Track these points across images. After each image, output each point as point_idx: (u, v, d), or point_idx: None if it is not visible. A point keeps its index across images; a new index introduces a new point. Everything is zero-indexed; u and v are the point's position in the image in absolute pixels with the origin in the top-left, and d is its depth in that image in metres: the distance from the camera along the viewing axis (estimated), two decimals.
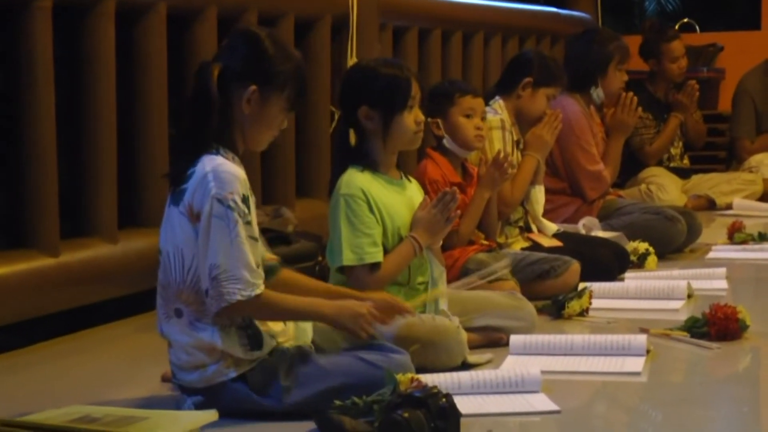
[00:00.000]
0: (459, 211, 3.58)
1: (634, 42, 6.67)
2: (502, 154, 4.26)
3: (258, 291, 2.84)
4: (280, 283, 3.04)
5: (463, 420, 2.71)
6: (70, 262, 4.01)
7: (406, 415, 2.62)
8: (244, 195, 2.86)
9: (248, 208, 2.87)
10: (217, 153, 2.89)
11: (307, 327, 3.09)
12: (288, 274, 3.14)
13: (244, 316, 2.88)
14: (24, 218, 3.94)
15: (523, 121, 4.81)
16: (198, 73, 2.93)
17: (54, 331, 4.04)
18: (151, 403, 3.04)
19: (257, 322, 2.93)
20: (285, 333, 3.01)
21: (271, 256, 3.11)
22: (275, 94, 2.94)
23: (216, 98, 2.89)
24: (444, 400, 2.67)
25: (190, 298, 2.88)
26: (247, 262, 2.82)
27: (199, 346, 2.88)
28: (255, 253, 2.86)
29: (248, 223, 2.85)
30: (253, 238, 2.87)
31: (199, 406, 2.87)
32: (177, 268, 2.89)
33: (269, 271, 3.03)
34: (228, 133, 2.93)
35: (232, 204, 2.82)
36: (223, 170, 2.85)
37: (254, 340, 2.91)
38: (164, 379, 3.25)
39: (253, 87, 2.92)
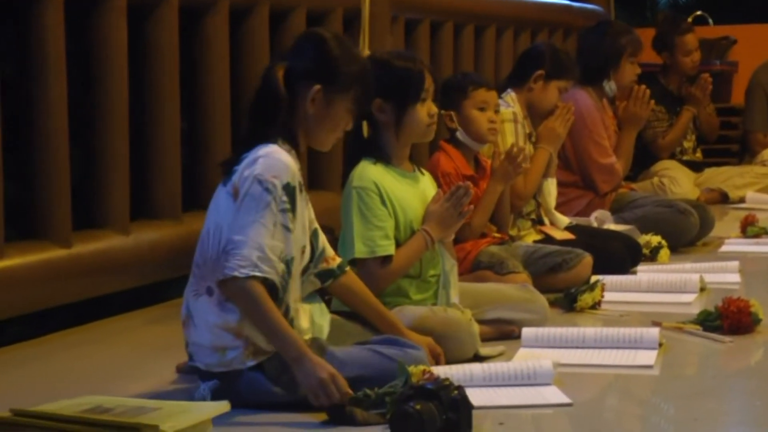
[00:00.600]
0: (472, 206, 3.57)
1: (646, 35, 6.66)
2: (515, 148, 4.25)
3: (257, 273, 2.82)
4: (340, 287, 3.14)
5: (475, 412, 2.71)
6: (82, 253, 4.02)
7: (418, 407, 2.62)
8: (288, 183, 2.88)
9: (291, 197, 2.89)
10: (274, 143, 2.93)
11: (324, 325, 3.09)
12: (352, 278, 3.19)
13: (231, 295, 2.85)
14: (36, 209, 3.95)
15: (535, 114, 4.81)
16: (265, 72, 2.99)
17: (66, 322, 4.05)
18: (162, 394, 3.04)
19: (294, 317, 2.94)
20: (302, 326, 3.01)
21: (334, 257, 3.14)
22: (340, 94, 3.00)
23: (284, 96, 2.95)
24: (456, 392, 2.67)
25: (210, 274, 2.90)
26: (260, 244, 2.83)
27: (226, 327, 2.88)
28: (283, 241, 2.87)
29: (283, 210, 2.87)
30: (286, 227, 2.88)
31: (214, 391, 2.88)
32: (214, 245, 2.91)
33: (326, 275, 3.09)
34: (291, 130, 2.98)
35: (270, 186, 2.85)
36: (273, 156, 2.89)
37: None
38: (178, 369, 3.25)
39: (318, 87, 2.97)
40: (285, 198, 2.87)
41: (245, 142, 2.97)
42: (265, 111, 2.96)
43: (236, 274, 2.82)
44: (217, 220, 2.92)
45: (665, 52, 7.03)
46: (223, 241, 2.88)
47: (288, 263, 2.91)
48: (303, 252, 3.01)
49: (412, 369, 2.85)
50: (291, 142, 2.97)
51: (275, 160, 2.88)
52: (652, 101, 5.68)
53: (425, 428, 2.60)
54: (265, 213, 2.84)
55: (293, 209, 2.90)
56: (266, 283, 2.85)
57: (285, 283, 2.91)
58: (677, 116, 6.89)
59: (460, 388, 2.69)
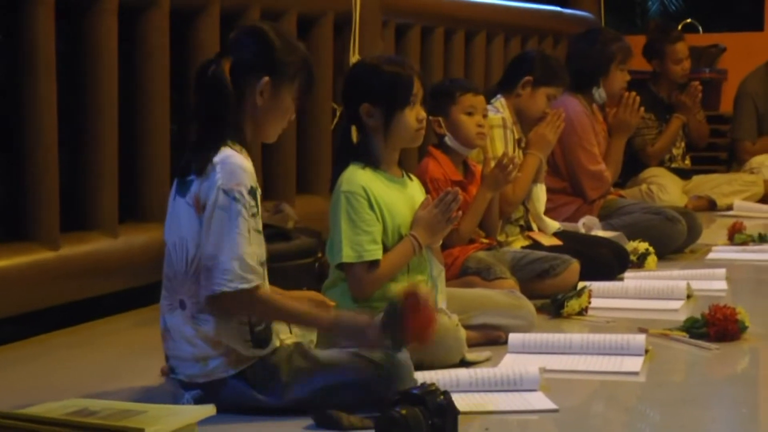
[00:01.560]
0: (460, 212, 3.58)
1: (636, 42, 6.68)
2: (506, 158, 4.26)
3: (246, 285, 2.82)
4: None
5: (461, 417, 2.71)
6: (70, 255, 4.02)
7: (403, 412, 2.62)
8: (251, 187, 2.86)
9: (255, 200, 2.87)
10: (225, 145, 2.90)
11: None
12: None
13: (233, 311, 2.86)
14: (25, 211, 3.94)
15: (523, 121, 4.81)
16: (205, 67, 2.94)
17: (53, 324, 4.04)
18: (149, 397, 3.04)
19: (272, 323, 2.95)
20: (286, 330, 3.01)
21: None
22: (286, 84, 2.97)
23: (232, 92, 2.91)
24: (442, 397, 2.67)
25: (192, 290, 2.88)
26: (240, 255, 2.81)
27: (204, 337, 2.88)
28: (258, 245, 2.87)
29: (254, 215, 2.86)
30: (258, 231, 2.87)
31: (197, 401, 2.87)
32: (181, 259, 2.90)
33: None
34: (239, 126, 2.95)
35: (237, 195, 2.83)
36: (230, 162, 2.85)
37: (259, 338, 2.91)
38: (164, 372, 3.25)
39: (266, 79, 2.94)
40: (252, 202, 2.86)
41: (197, 145, 2.92)
42: (214, 110, 2.92)
43: (225, 289, 2.81)
44: (180, 233, 2.90)
45: (655, 59, 7.05)
46: (191, 256, 2.87)
47: (263, 264, 2.90)
48: None
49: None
50: (239, 139, 2.93)
51: (234, 167, 2.85)
52: (642, 108, 5.70)
53: None
54: (238, 222, 2.82)
55: (259, 211, 2.90)
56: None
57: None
58: (667, 124, 6.90)
59: (446, 394, 2.69)
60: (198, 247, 2.86)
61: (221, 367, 2.88)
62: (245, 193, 2.84)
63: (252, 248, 2.84)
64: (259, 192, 2.91)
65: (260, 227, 2.89)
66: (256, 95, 2.94)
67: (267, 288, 2.93)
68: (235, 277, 2.81)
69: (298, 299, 3.06)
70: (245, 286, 2.82)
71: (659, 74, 7.04)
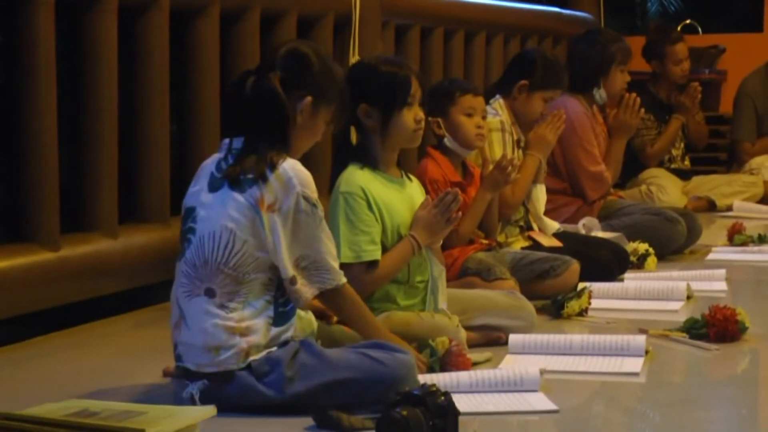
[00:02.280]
0: (460, 212, 3.58)
1: (636, 43, 6.68)
2: (505, 159, 4.26)
3: (345, 280, 3.05)
4: None
5: (461, 418, 2.71)
6: (70, 256, 4.02)
7: (404, 412, 2.62)
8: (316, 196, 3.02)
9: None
10: (276, 155, 3.01)
11: (312, 318, 3.12)
12: None
13: (340, 306, 3.11)
14: (24, 212, 3.94)
15: (520, 123, 4.81)
16: (247, 76, 3.04)
17: (53, 325, 4.04)
18: (149, 398, 3.04)
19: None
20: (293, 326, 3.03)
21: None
22: (324, 107, 3.08)
23: (288, 105, 3.03)
24: (443, 398, 2.67)
25: (226, 281, 2.91)
26: (333, 254, 3.03)
27: (224, 326, 2.90)
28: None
29: (324, 219, 3.02)
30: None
31: (202, 392, 2.89)
32: (218, 249, 2.92)
33: None
34: (286, 139, 3.05)
35: (315, 201, 2.99)
36: (301, 170, 3.00)
37: (281, 316, 2.97)
38: (165, 373, 3.25)
39: (309, 98, 3.05)
40: (320, 207, 3.01)
41: (249, 151, 2.99)
42: (268, 116, 3.01)
43: (337, 285, 3.02)
44: (227, 224, 2.93)
45: (655, 60, 7.05)
46: (236, 249, 2.92)
47: None
48: None
49: (438, 340, 3.18)
50: (286, 151, 3.02)
51: (305, 174, 3.00)
52: (643, 110, 5.69)
53: None
54: (323, 225, 3.00)
55: None
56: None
57: None
58: (666, 125, 6.90)
59: (447, 395, 2.69)
60: (245, 241, 2.92)
61: (231, 358, 2.90)
62: (317, 200, 3.00)
63: (334, 248, 3.05)
64: None
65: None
66: (297, 113, 3.04)
67: None
68: (336, 274, 3.03)
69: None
70: (344, 280, 3.06)
71: (659, 75, 7.05)
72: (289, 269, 2.94)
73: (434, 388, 2.70)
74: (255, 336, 2.91)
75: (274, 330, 2.94)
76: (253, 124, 3.02)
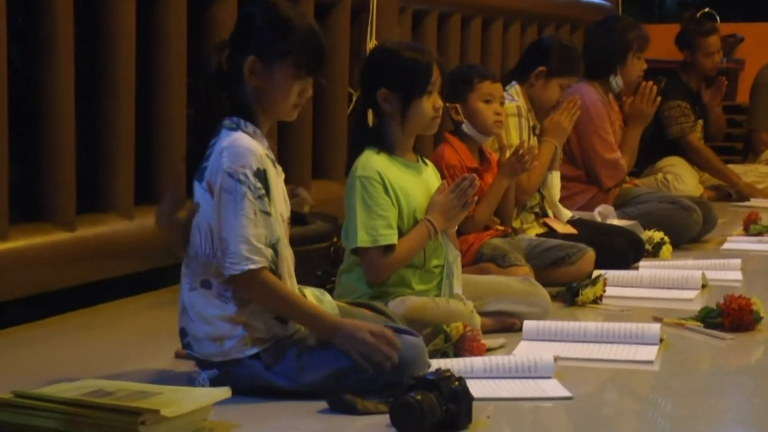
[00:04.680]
0: (476, 198, 3.57)
1: (653, 30, 6.66)
2: (523, 147, 4.25)
3: (250, 266, 2.83)
4: None
5: (474, 404, 2.71)
6: (86, 237, 4.03)
7: (418, 397, 2.62)
8: (258, 169, 2.87)
9: (264, 182, 2.88)
10: (236, 128, 2.92)
11: (333, 301, 3.12)
12: None
13: (245, 294, 2.88)
14: (41, 193, 3.95)
15: (537, 109, 4.80)
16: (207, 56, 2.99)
17: (69, 305, 4.06)
18: (163, 378, 3.05)
19: None
20: None
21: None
22: (277, 62, 2.94)
23: (213, 73, 2.94)
24: (457, 383, 2.67)
25: (218, 272, 2.90)
26: (246, 236, 2.83)
27: (224, 317, 2.90)
28: (266, 227, 2.87)
29: (260, 197, 2.86)
30: (265, 212, 2.87)
31: (213, 380, 2.89)
32: (205, 241, 2.91)
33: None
34: (247, 106, 2.96)
35: (241, 177, 2.84)
36: (237, 144, 2.87)
37: (282, 317, 2.93)
38: (178, 355, 3.26)
39: (252, 58, 2.93)
40: (258, 184, 2.86)
41: (198, 126, 2.98)
42: (206, 91, 2.97)
43: (233, 272, 2.83)
44: (203, 216, 2.91)
45: (687, 50, 7.02)
46: (214, 240, 2.89)
47: (274, 246, 2.90)
48: (287, 222, 3.04)
49: (451, 327, 3.12)
50: (252, 121, 2.95)
51: (239, 148, 2.87)
52: (659, 98, 5.66)
53: (426, 419, 2.61)
54: (243, 204, 2.84)
55: (268, 192, 2.89)
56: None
57: (275, 267, 2.91)
58: (696, 114, 6.88)
59: (461, 380, 2.69)
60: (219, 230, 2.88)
61: (237, 347, 2.89)
62: (250, 174, 2.85)
63: (258, 230, 2.85)
64: (271, 171, 2.92)
65: (267, 209, 2.88)
66: (246, 75, 2.94)
67: (286, 271, 2.95)
68: (241, 260, 2.83)
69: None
70: (251, 266, 2.83)
71: (690, 65, 7.02)
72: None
73: (448, 373, 2.70)
74: (257, 326, 2.90)
75: (278, 321, 2.92)
76: (205, 103, 2.98)
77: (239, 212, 2.83)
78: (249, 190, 2.84)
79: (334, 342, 2.87)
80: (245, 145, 2.87)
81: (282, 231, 2.96)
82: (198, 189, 2.93)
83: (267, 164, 2.91)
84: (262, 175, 2.88)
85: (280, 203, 2.98)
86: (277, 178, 2.98)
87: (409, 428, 2.62)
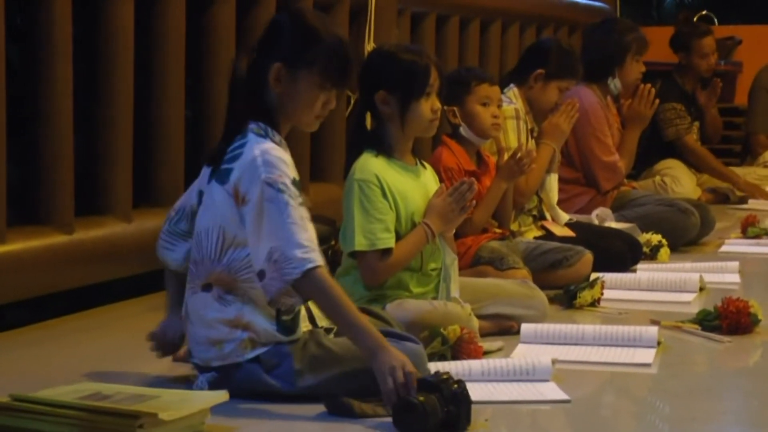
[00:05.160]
0: (474, 201, 3.57)
1: (652, 33, 6.66)
2: (522, 150, 4.26)
3: (308, 265, 2.79)
4: None
5: (473, 407, 2.71)
6: (84, 239, 4.03)
7: (421, 399, 2.63)
8: (294, 178, 2.87)
9: (299, 190, 2.88)
10: (266, 137, 2.91)
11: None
12: None
13: (309, 295, 2.86)
14: (39, 195, 3.95)
15: (535, 112, 4.81)
16: (235, 58, 3.00)
17: (67, 308, 4.05)
18: (162, 382, 3.05)
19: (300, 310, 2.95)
20: (304, 317, 3.02)
21: None
22: (304, 70, 2.93)
23: (239, 78, 2.94)
24: (456, 386, 2.68)
25: (222, 276, 2.89)
26: (298, 241, 2.80)
27: (224, 320, 2.89)
28: (311, 231, 2.85)
29: (301, 204, 2.85)
30: (307, 219, 2.86)
31: (212, 383, 2.89)
32: (212, 245, 2.90)
33: None
34: (271, 112, 2.95)
35: (282, 187, 2.83)
36: (271, 154, 2.86)
37: (285, 326, 2.91)
38: (176, 358, 3.26)
39: (278, 65, 2.93)
40: (297, 192, 2.86)
41: (227, 134, 2.95)
42: (231, 95, 2.97)
43: (294, 276, 2.79)
44: (216, 220, 2.90)
45: (682, 52, 7.03)
46: (226, 244, 2.88)
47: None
48: None
49: (448, 330, 3.13)
50: (276, 129, 2.95)
51: (274, 158, 2.86)
52: (657, 100, 5.67)
53: (428, 420, 2.61)
54: (289, 211, 2.82)
55: (304, 201, 2.90)
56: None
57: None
58: (692, 116, 6.89)
59: (461, 382, 2.70)
60: (236, 237, 2.87)
61: (237, 351, 2.89)
62: (289, 183, 2.85)
63: (308, 233, 2.83)
64: (299, 182, 2.92)
65: (308, 216, 2.87)
66: (271, 82, 2.94)
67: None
68: (299, 262, 2.79)
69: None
70: (309, 266, 2.79)
71: (684, 67, 7.02)
72: (259, 263, 2.83)
73: (447, 376, 2.70)
74: (257, 330, 2.89)
75: (279, 327, 2.91)
76: (231, 108, 2.97)
77: (287, 220, 2.81)
78: (291, 198, 2.84)
79: (368, 363, 2.79)
80: (280, 156, 2.88)
81: None
82: (217, 189, 2.91)
83: (297, 174, 2.92)
84: (297, 184, 2.88)
85: None
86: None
87: (412, 429, 2.63)
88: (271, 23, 3.03)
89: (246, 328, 2.89)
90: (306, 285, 2.81)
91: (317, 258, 2.81)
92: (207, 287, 2.92)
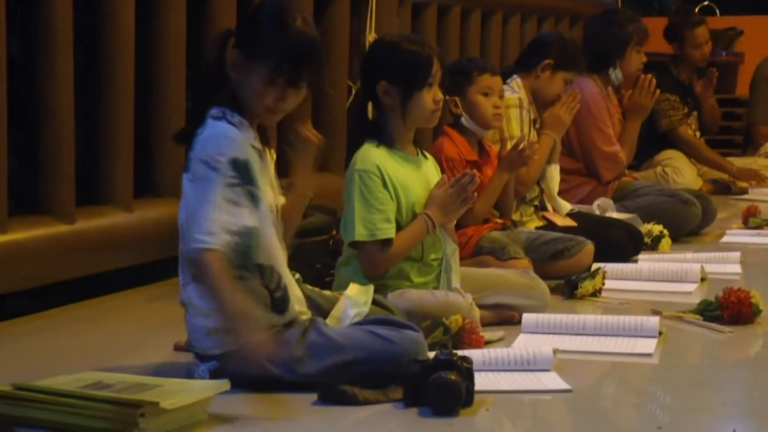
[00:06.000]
0: (476, 193, 3.57)
1: (653, 24, 6.66)
2: (524, 141, 4.26)
3: (199, 245, 2.78)
4: None
5: (475, 397, 2.73)
6: (86, 229, 4.03)
7: (452, 377, 2.66)
8: (236, 158, 2.83)
9: (243, 172, 2.84)
10: (222, 118, 2.90)
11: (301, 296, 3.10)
12: None
13: (193, 273, 2.87)
14: (40, 185, 3.95)
15: (538, 102, 4.81)
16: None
17: (68, 297, 4.06)
18: (163, 371, 3.04)
19: (288, 287, 2.95)
20: (303, 302, 3.02)
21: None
22: (255, 61, 2.89)
23: (209, 60, 2.93)
24: (468, 365, 2.73)
25: None
26: (204, 220, 2.79)
27: (215, 309, 2.88)
28: (231, 214, 2.81)
29: (231, 185, 2.82)
30: (232, 202, 2.82)
31: (213, 372, 2.89)
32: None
33: None
34: (236, 98, 2.92)
35: (216, 165, 2.82)
36: (217, 133, 2.86)
37: (277, 303, 2.92)
38: (177, 347, 3.26)
39: (236, 52, 2.91)
40: (233, 173, 2.83)
41: (190, 120, 2.95)
42: (204, 83, 2.96)
43: (187, 254, 2.84)
44: (190, 210, 2.90)
45: (676, 43, 7.02)
46: None
47: (243, 234, 2.84)
48: (277, 212, 3.00)
49: (450, 319, 3.14)
50: (241, 112, 2.91)
51: (218, 137, 2.84)
52: (658, 91, 5.67)
53: (461, 398, 2.67)
54: (212, 189, 2.80)
55: (249, 182, 2.85)
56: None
57: (243, 254, 2.86)
58: (689, 106, 6.88)
59: (469, 359, 2.74)
60: None
61: (233, 338, 2.88)
62: (225, 162, 2.82)
63: (219, 215, 2.80)
64: (254, 161, 2.88)
65: (238, 199, 2.83)
66: (229, 65, 2.92)
67: (274, 261, 2.92)
68: (195, 241, 2.79)
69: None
70: (200, 245, 2.79)
71: (679, 57, 7.01)
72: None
73: (456, 355, 2.74)
74: (257, 312, 2.87)
75: (273, 304, 2.92)
76: (198, 90, 3.00)
77: (204, 198, 2.80)
78: (221, 176, 2.82)
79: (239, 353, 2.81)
80: (224, 134, 2.86)
81: (269, 221, 2.93)
82: (185, 180, 2.92)
83: (251, 155, 2.88)
84: (241, 166, 2.84)
85: (268, 193, 2.96)
86: (265, 168, 2.95)
87: (447, 407, 2.68)
88: (249, 11, 3.00)
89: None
90: (195, 263, 2.82)
91: (214, 242, 2.78)
92: (194, 277, 2.92)
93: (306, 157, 3.05)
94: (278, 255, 2.98)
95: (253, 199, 2.87)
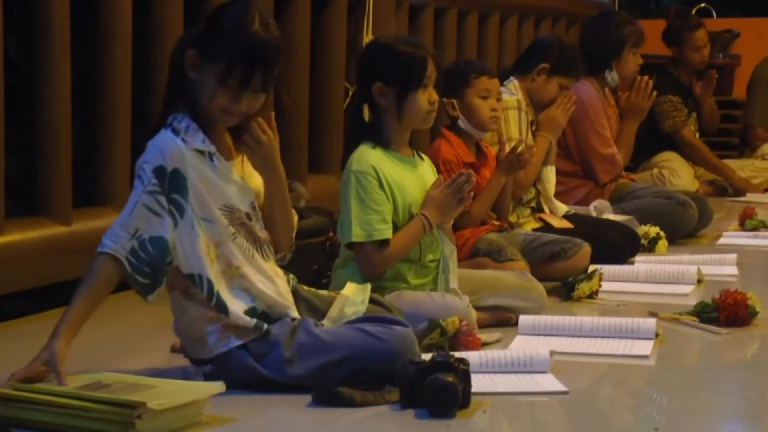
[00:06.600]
0: (472, 193, 3.58)
1: (649, 26, 6.67)
2: (522, 144, 4.26)
3: (99, 247, 2.83)
4: None
5: (472, 399, 2.73)
6: (82, 230, 4.03)
7: (450, 379, 2.66)
8: (159, 166, 2.82)
9: (171, 180, 2.82)
10: (169, 126, 2.89)
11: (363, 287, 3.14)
12: None
13: None
14: (37, 186, 3.95)
15: (533, 105, 4.82)
16: None
17: (65, 299, 4.03)
18: (159, 372, 3.04)
19: (246, 284, 2.92)
20: (288, 294, 3.01)
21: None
22: (209, 63, 2.86)
23: (171, 62, 2.92)
24: (465, 366, 2.73)
25: (173, 276, 2.90)
26: (114, 224, 2.83)
27: (198, 315, 2.90)
28: (142, 220, 2.82)
29: (151, 193, 2.82)
30: (149, 208, 2.82)
31: (208, 376, 2.89)
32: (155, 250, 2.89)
33: None
34: (193, 103, 2.90)
35: (140, 173, 2.84)
36: (153, 142, 2.87)
37: (221, 308, 2.89)
38: (173, 349, 3.26)
39: (191, 51, 2.88)
40: (155, 181, 2.82)
41: (156, 122, 2.95)
42: (166, 85, 2.96)
43: (99, 250, 2.86)
44: None
45: (674, 46, 7.03)
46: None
47: (154, 242, 2.83)
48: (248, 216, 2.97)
49: (448, 320, 3.13)
50: (195, 118, 2.89)
51: (152, 146, 2.85)
52: (655, 93, 5.67)
53: (458, 400, 2.67)
54: (132, 197, 2.84)
55: (172, 191, 2.83)
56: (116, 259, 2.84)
57: (152, 264, 2.85)
58: (689, 108, 6.89)
59: (465, 361, 2.74)
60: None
61: (220, 341, 2.89)
62: (148, 170, 2.82)
63: (128, 220, 2.82)
64: (201, 170, 2.86)
65: (155, 208, 2.82)
66: (186, 66, 2.89)
67: (246, 265, 2.91)
68: (104, 241, 2.84)
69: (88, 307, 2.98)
70: (99, 248, 2.84)
71: (678, 60, 7.02)
72: None
73: (452, 356, 2.74)
74: (231, 315, 2.88)
75: (249, 314, 2.91)
76: (165, 94, 2.97)
77: (129, 202, 2.84)
78: (142, 184, 2.83)
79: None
80: (156, 143, 2.85)
81: (199, 229, 2.87)
82: None
83: (190, 161, 2.85)
84: (165, 174, 2.83)
85: (221, 198, 2.90)
86: (218, 171, 2.90)
87: (444, 409, 2.68)
88: (214, 11, 2.95)
89: (218, 318, 2.89)
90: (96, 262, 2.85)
91: (110, 245, 2.82)
92: (171, 288, 2.93)
93: (255, 156, 2.99)
94: (238, 260, 2.92)
95: (178, 207, 2.85)
